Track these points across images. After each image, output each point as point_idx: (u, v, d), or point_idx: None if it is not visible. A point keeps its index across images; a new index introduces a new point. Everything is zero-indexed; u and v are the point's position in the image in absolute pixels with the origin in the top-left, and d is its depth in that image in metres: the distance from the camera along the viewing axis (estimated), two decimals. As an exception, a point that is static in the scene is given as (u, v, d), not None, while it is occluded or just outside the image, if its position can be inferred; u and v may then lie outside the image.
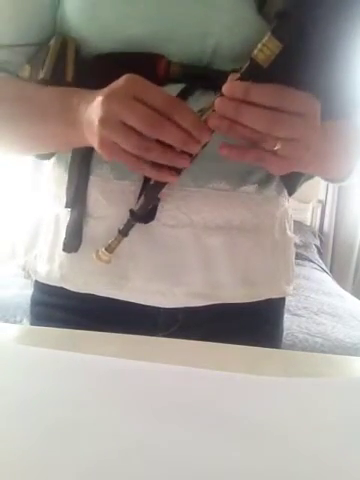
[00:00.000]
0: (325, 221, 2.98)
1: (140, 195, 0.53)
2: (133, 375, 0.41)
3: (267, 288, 0.63)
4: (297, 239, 2.52)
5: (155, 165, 0.45)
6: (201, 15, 0.50)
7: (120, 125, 0.42)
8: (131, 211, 0.52)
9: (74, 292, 0.60)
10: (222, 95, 0.42)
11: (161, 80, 0.51)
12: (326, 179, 0.62)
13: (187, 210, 0.55)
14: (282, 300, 0.69)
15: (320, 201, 2.97)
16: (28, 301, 0.68)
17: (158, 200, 0.52)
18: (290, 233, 0.66)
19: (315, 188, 2.71)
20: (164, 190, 0.50)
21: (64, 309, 0.62)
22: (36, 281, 0.65)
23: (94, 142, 0.46)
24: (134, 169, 0.48)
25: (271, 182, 0.60)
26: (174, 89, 0.51)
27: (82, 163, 0.56)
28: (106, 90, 0.44)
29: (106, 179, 0.55)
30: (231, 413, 0.36)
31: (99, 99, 0.43)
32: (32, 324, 0.66)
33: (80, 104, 0.47)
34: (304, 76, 0.46)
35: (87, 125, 0.46)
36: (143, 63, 0.51)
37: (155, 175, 0.47)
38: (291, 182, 0.63)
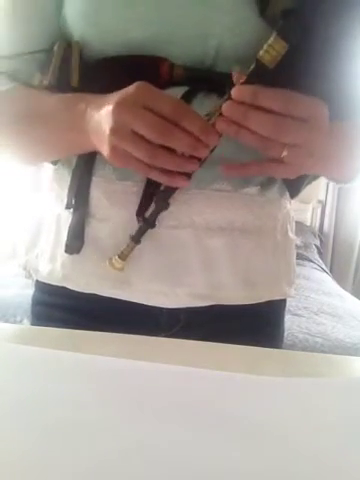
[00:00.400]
0: (325, 221, 2.98)
1: (142, 196, 0.53)
2: (133, 375, 0.41)
3: (268, 290, 0.63)
4: (298, 241, 2.52)
5: (166, 170, 0.46)
6: (201, 16, 0.50)
7: (131, 135, 0.43)
8: (143, 217, 0.52)
9: (75, 292, 0.60)
10: (229, 99, 0.42)
11: (164, 83, 0.51)
12: (332, 180, 0.62)
13: (189, 211, 0.55)
14: (283, 301, 0.69)
15: (320, 201, 2.97)
16: (28, 301, 0.68)
17: (168, 205, 0.52)
18: (292, 235, 0.66)
19: (315, 188, 2.70)
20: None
21: (65, 309, 0.62)
22: (37, 281, 0.65)
23: (103, 150, 0.46)
24: (145, 175, 0.49)
25: (273, 184, 0.60)
26: (177, 92, 0.51)
27: (86, 164, 0.56)
28: (115, 99, 0.44)
29: (108, 180, 0.55)
30: (231, 413, 0.36)
31: (109, 108, 0.44)
32: (32, 324, 0.66)
33: (86, 110, 0.48)
34: (309, 76, 0.46)
35: (95, 132, 0.47)
36: (146, 66, 0.51)
37: (166, 180, 0.48)
38: (295, 185, 0.63)
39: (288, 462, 0.31)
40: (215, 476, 0.29)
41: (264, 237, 0.60)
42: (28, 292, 0.69)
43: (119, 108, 0.43)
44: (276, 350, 0.51)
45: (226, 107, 0.43)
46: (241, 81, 0.43)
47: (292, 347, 1.32)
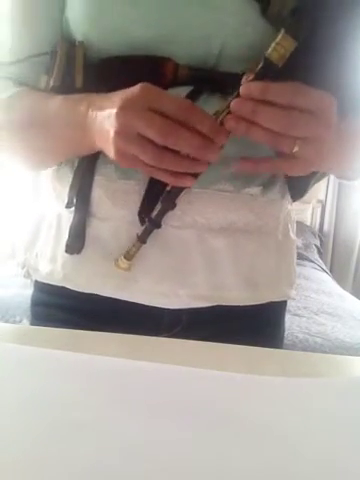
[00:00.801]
0: (325, 221, 2.98)
1: (146, 196, 0.53)
2: (133, 375, 0.41)
3: (270, 291, 0.62)
4: (299, 242, 2.52)
5: (172, 171, 0.45)
6: (205, 17, 0.50)
7: (137, 138, 0.42)
8: (149, 218, 0.52)
9: (75, 292, 0.59)
10: (238, 96, 0.42)
11: (168, 83, 0.51)
12: (341, 177, 0.62)
13: (191, 211, 0.54)
14: (284, 302, 0.69)
15: (320, 201, 2.97)
16: (28, 301, 0.68)
17: (175, 205, 0.52)
18: (293, 235, 0.66)
19: (315, 188, 2.69)
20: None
21: (65, 309, 0.62)
22: (36, 281, 0.65)
23: (108, 151, 0.46)
24: (151, 175, 0.48)
25: (275, 184, 0.60)
26: (181, 92, 0.50)
27: (88, 163, 0.56)
28: (120, 100, 0.43)
29: (110, 179, 0.55)
30: (231, 413, 0.36)
31: (113, 111, 0.43)
32: (32, 324, 0.66)
33: (89, 110, 0.47)
34: (316, 73, 0.46)
35: (99, 133, 0.46)
36: (151, 66, 0.51)
37: (173, 181, 0.47)
38: (301, 186, 0.63)
39: (288, 462, 0.31)
40: (215, 476, 0.29)
41: (266, 237, 0.60)
42: (27, 292, 0.69)
43: (124, 111, 0.43)
44: (276, 350, 0.51)
45: (235, 104, 0.42)
46: (249, 79, 0.43)
47: (292, 347, 1.32)
